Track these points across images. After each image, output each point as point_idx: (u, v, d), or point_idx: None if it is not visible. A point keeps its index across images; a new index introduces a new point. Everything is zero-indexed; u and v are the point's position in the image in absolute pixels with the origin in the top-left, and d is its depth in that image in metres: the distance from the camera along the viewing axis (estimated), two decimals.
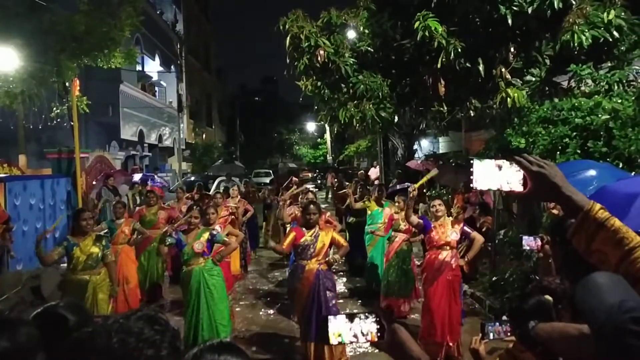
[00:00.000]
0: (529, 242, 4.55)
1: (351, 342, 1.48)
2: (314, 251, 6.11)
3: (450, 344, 6.23)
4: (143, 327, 1.24)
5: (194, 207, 6.82)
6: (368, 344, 1.48)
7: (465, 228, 6.49)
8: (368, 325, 1.46)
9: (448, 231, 6.35)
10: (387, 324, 1.45)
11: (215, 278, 6.30)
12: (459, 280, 6.47)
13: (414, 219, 6.60)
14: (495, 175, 1.75)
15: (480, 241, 6.56)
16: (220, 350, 1.42)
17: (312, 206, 6.36)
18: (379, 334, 1.45)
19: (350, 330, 1.46)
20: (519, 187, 1.73)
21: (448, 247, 6.35)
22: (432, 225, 6.46)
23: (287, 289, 7.53)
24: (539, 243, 4.46)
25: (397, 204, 8.48)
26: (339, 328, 1.46)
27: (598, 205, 1.62)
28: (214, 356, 1.38)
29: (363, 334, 1.46)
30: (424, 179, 7.00)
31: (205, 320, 6.14)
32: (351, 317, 1.47)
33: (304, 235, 6.16)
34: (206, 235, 6.35)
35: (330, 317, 1.48)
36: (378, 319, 1.46)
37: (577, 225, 1.64)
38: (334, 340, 1.47)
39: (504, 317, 2.97)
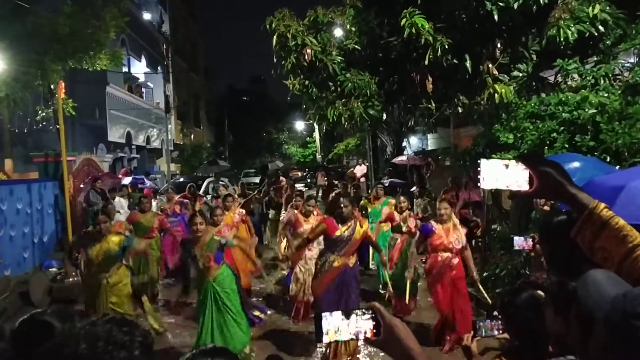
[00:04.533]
0: (520, 243, 4.54)
1: (347, 340, 1.45)
2: (347, 246, 6.05)
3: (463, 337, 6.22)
4: (111, 330, 1.21)
5: (195, 215, 6.60)
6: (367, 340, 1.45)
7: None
8: (364, 322, 1.43)
9: (452, 237, 6.32)
10: (383, 320, 1.42)
11: (226, 289, 6.04)
12: (462, 277, 6.43)
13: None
14: (502, 175, 1.77)
15: (469, 253, 6.58)
16: (212, 354, 1.39)
17: (342, 199, 6.29)
18: (374, 331, 1.42)
19: (347, 327, 1.42)
20: (525, 186, 1.74)
21: (449, 250, 6.33)
22: (433, 229, 6.39)
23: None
24: (530, 243, 4.45)
25: (400, 204, 8.25)
26: (334, 325, 1.43)
27: (602, 204, 1.66)
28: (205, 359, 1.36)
29: (359, 331, 1.43)
30: None
31: (216, 329, 5.95)
32: (347, 314, 1.44)
33: (337, 228, 6.09)
34: (214, 245, 6.06)
35: (325, 314, 1.43)
36: (374, 315, 1.42)
37: (581, 223, 1.68)
38: (326, 338, 1.43)
39: (495, 313, 2.96)
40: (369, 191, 13.44)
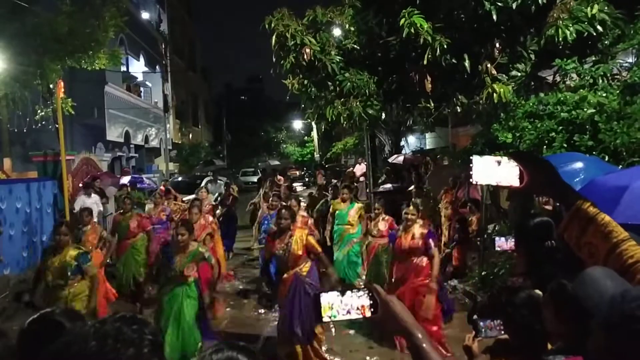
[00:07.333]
0: (501, 243, 4.49)
1: (344, 319, 1.47)
2: (291, 262, 5.76)
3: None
4: (121, 328, 1.21)
5: (179, 224, 6.41)
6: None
7: (430, 240, 6.21)
8: (361, 300, 1.45)
9: (409, 238, 6.20)
10: (380, 297, 1.45)
11: (193, 300, 6.00)
12: (426, 286, 6.15)
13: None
14: (494, 171, 1.80)
15: (437, 259, 6.24)
16: (239, 349, 1.42)
17: (283, 210, 5.96)
18: (372, 309, 1.45)
19: (343, 305, 1.45)
20: (515, 182, 1.77)
21: (414, 255, 6.19)
22: (398, 235, 6.33)
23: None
24: (512, 243, 4.40)
25: (375, 210, 8.55)
26: (330, 304, 1.45)
27: (589, 202, 1.70)
28: (232, 353, 1.38)
29: (356, 309, 1.46)
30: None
31: (171, 336, 5.85)
32: (343, 293, 1.46)
33: (275, 245, 5.83)
34: (198, 256, 6.01)
35: (322, 294, 1.47)
36: (370, 294, 1.46)
37: (568, 219, 1.73)
38: (325, 317, 1.46)
39: (474, 317, 2.95)
40: (368, 190, 13.46)
